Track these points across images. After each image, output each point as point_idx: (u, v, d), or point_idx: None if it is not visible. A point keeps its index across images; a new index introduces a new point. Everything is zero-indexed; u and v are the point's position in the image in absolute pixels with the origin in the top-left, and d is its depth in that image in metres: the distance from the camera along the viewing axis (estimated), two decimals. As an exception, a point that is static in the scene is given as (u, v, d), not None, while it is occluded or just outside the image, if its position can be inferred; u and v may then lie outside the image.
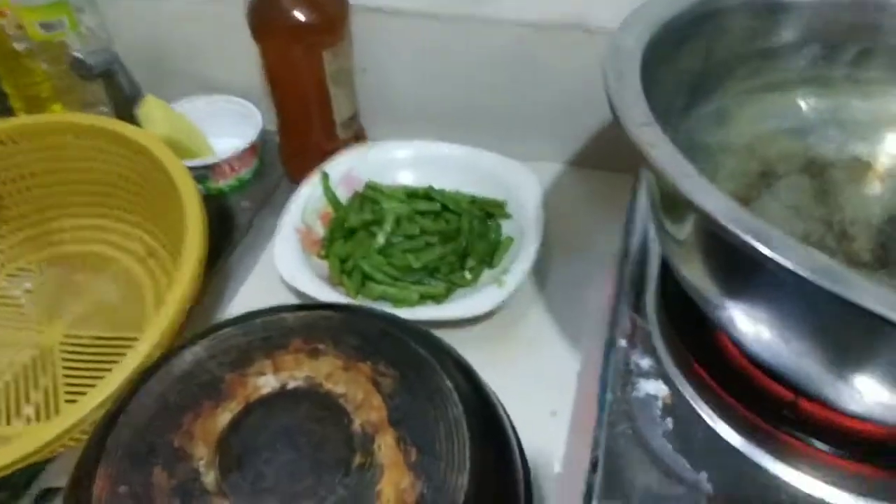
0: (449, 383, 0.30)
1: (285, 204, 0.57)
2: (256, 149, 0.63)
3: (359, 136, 0.64)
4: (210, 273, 0.53)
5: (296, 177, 0.61)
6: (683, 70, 0.37)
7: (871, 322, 0.21)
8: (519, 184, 0.58)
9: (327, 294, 0.50)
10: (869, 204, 0.38)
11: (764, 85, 0.40)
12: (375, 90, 0.65)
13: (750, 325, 0.30)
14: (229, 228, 0.59)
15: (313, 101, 0.58)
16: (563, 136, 0.64)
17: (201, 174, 0.60)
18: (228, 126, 0.64)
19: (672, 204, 0.32)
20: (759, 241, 0.23)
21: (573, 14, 0.56)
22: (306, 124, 0.60)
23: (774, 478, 0.33)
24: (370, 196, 0.59)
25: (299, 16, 0.54)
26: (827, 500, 0.32)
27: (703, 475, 0.33)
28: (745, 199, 0.38)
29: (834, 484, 0.32)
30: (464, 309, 0.48)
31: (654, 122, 0.27)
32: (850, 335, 0.26)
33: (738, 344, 0.34)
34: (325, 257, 0.55)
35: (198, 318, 0.48)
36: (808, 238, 0.37)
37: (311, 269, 0.52)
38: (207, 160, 0.59)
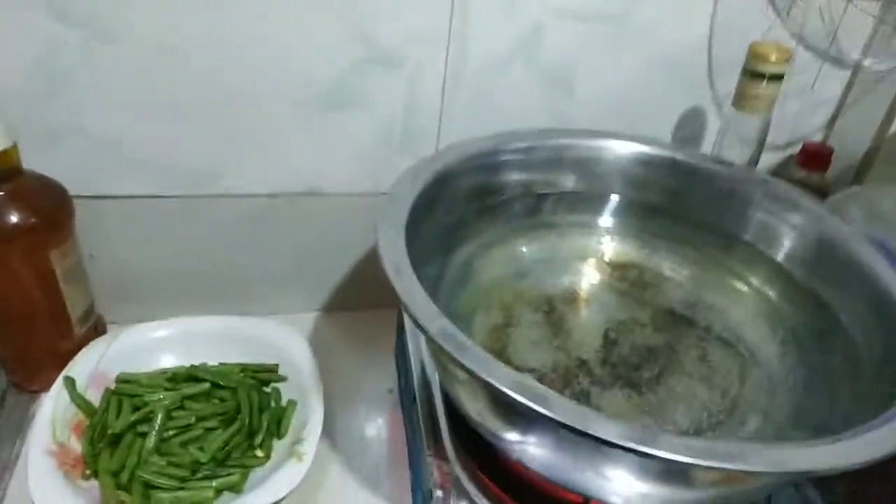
0: None
1: (20, 422, 0.50)
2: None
3: (98, 328, 0.60)
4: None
5: (26, 385, 0.54)
6: (438, 227, 0.44)
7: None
8: (285, 343, 0.59)
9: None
10: (587, 328, 0.49)
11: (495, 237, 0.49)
12: (109, 276, 0.61)
13: (531, 450, 0.36)
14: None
15: (41, 302, 0.53)
16: (316, 286, 0.67)
17: None
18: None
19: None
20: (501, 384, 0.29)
21: (305, 182, 0.60)
22: (33, 327, 0.54)
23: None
24: (127, 391, 0.55)
25: (13, 219, 0.49)
26: None
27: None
28: (501, 346, 0.46)
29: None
30: (269, 494, 0.47)
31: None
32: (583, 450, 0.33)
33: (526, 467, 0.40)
34: (93, 476, 0.49)
35: None
36: (557, 368, 0.46)
37: (80, 497, 0.46)
38: None
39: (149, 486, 0.49)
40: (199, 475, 0.50)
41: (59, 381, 0.53)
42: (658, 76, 0.62)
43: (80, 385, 0.54)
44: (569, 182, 0.53)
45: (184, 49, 0.52)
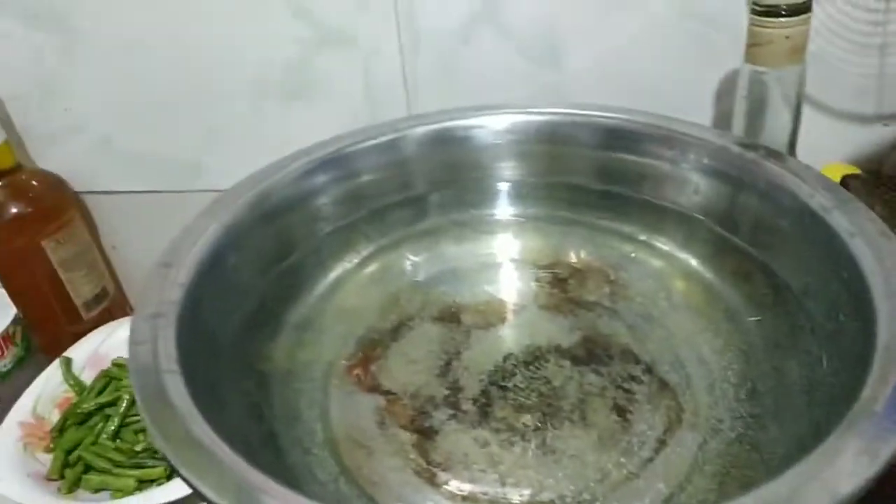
0: None
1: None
2: (11, 338, 0.62)
3: (114, 313, 0.64)
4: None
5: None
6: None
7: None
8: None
9: (33, 496, 0.47)
10: (487, 350, 0.39)
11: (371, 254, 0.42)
12: (132, 265, 0.65)
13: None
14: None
15: (46, 288, 0.58)
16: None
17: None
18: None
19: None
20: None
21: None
22: (46, 311, 0.60)
23: None
24: (115, 375, 0.58)
25: (12, 210, 0.55)
26: None
27: None
28: (364, 360, 0.39)
29: None
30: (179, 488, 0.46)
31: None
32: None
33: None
34: (53, 450, 0.53)
35: None
36: (417, 394, 0.37)
37: (26, 467, 0.50)
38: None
39: (89, 468, 0.51)
40: (130, 463, 0.51)
41: (57, 360, 0.58)
42: (672, 33, 0.48)
43: (77, 366, 0.58)
44: (442, 176, 0.43)
45: (147, 44, 0.53)
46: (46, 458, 0.53)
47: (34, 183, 0.57)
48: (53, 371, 0.58)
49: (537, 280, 0.43)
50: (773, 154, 0.40)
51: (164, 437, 0.25)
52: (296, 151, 0.41)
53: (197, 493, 0.24)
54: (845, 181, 0.47)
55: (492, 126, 0.42)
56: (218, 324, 0.34)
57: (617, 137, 0.41)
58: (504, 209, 0.45)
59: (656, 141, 0.40)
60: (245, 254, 0.36)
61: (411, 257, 0.43)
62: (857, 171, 0.51)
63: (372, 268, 0.43)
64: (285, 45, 0.52)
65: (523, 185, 0.44)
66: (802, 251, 0.35)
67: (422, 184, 0.43)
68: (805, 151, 0.47)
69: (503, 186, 0.44)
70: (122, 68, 0.55)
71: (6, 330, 0.61)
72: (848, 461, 0.21)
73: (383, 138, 0.42)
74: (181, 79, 0.54)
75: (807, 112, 0.50)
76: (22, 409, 0.55)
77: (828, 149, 0.52)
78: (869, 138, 0.53)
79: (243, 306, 0.36)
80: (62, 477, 0.51)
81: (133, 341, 0.29)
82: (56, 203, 0.58)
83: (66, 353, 0.59)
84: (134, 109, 0.57)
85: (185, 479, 0.24)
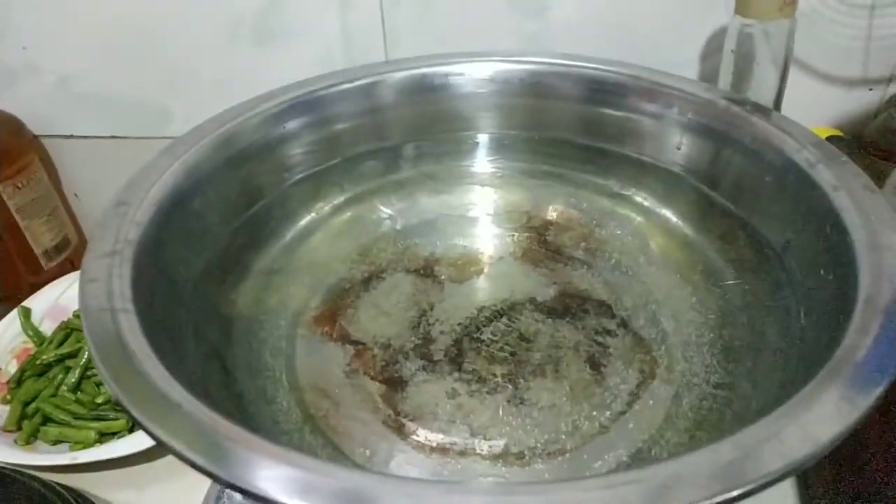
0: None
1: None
2: (-34, 288, 0.60)
3: (76, 264, 0.62)
4: None
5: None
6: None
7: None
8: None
9: (-12, 447, 0.46)
10: (460, 303, 0.38)
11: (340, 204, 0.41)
12: (91, 214, 0.63)
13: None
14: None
15: (4, 235, 0.56)
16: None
17: None
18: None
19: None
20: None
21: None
22: (4, 259, 0.57)
23: None
24: (76, 326, 0.56)
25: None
26: None
27: None
28: (333, 310, 0.38)
29: None
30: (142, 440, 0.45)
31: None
32: None
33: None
34: (9, 402, 0.51)
35: None
36: (388, 344, 0.36)
37: (-18, 419, 0.48)
38: None
39: (47, 419, 0.49)
40: (91, 416, 0.49)
41: (16, 310, 0.56)
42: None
43: (37, 316, 0.56)
44: (419, 125, 0.41)
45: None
46: (3, 410, 0.51)
47: (-15, 124, 0.54)
48: (11, 321, 0.56)
49: (514, 233, 0.42)
50: (760, 109, 0.39)
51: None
52: (265, 93, 0.39)
53: (151, 436, 0.22)
54: (830, 142, 0.46)
55: (473, 74, 0.41)
56: (178, 267, 0.32)
57: (601, 90, 0.40)
58: (482, 162, 0.43)
59: (641, 94, 0.39)
60: (208, 197, 0.35)
61: (385, 209, 0.42)
62: (841, 134, 0.50)
63: (343, 217, 0.41)
64: (256, -17, 0.50)
65: (503, 138, 0.42)
66: (785, 207, 0.34)
67: (397, 133, 0.42)
68: (789, 113, 0.46)
69: (482, 138, 0.43)
70: (82, 4, 0.52)
71: (-40, 279, 0.59)
72: (828, 407, 0.21)
73: (358, 83, 0.40)
74: (146, 18, 0.52)
75: (793, 73, 0.49)
76: (-23, 358, 0.53)
77: (812, 111, 0.51)
78: (854, 102, 0.52)
79: (206, 251, 0.34)
80: (19, 429, 0.49)
81: (84, 279, 0.27)
82: (13, 145, 0.55)
83: (25, 303, 0.57)
84: (95, 49, 0.54)
85: (135, 420, 0.22)
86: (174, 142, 0.35)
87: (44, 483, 0.42)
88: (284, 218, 0.39)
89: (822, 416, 0.20)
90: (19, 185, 0.55)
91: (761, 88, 0.43)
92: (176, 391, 0.23)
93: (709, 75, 0.50)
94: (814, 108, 0.51)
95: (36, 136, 0.58)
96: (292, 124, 0.38)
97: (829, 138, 0.46)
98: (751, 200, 0.36)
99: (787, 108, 0.46)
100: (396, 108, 0.41)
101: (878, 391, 0.21)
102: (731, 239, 0.37)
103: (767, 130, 0.35)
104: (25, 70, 0.55)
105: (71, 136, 0.59)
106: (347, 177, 0.41)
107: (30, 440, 0.48)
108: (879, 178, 0.41)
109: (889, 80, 0.51)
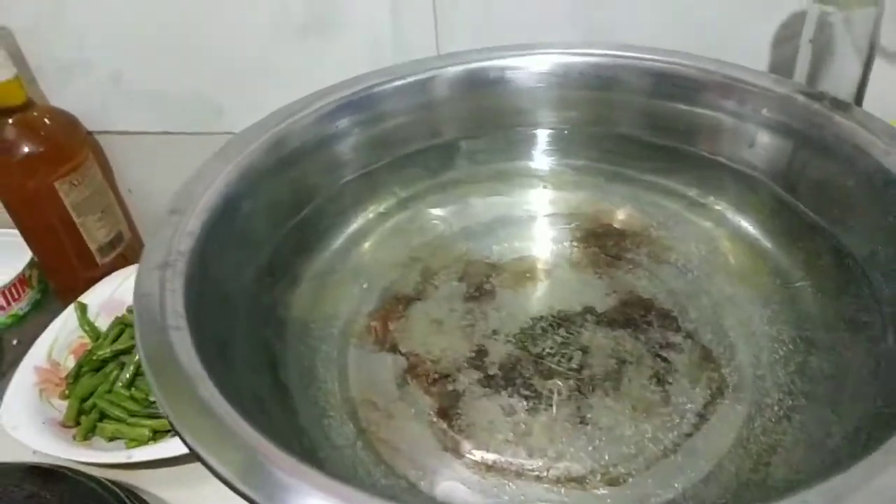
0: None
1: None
2: (28, 281, 0.61)
3: (130, 259, 0.63)
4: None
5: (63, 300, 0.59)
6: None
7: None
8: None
9: (48, 444, 0.47)
10: (516, 312, 0.37)
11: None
12: (148, 209, 0.63)
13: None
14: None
15: (60, 231, 0.57)
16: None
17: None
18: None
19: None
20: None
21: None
22: (60, 255, 0.58)
23: None
24: (129, 321, 0.56)
25: (24, 148, 0.52)
26: None
27: None
28: (388, 318, 0.36)
29: None
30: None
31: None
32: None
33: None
34: (68, 397, 0.52)
35: None
36: (441, 357, 0.35)
37: (42, 414, 0.49)
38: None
39: (104, 416, 0.50)
40: (145, 413, 0.50)
41: (72, 305, 0.57)
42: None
43: (92, 311, 0.57)
44: (474, 122, 0.40)
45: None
46: (62, 405, 0.52)
47: (46, 121, 0.55)
48: (68, 316, 0.57)
49: (573, 238, 0.40)
50: (840, 105, 0.36)
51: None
52: (315, 92, 0.38)
53: (200, 460, 0.22)
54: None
55: (530, 68, 0.39)
56: (230, 274, 0.31)
57: (668, 83, 0.37)
58: (540, 160, 0.41)
59: (711, 88, 0.37)
60: (260, 201, 0.34)
61: (438, 211, 0.40)
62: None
63: (395, 220, 0.40)
64: (306, -23, 0.48)
65: (563, 134, 0.40)
66: (870, 214, 0.32)
67: (452, 130, 0.40)
68: (872, 107, 0.43)
69: (540, 135, 0.41)
70: (134, 2, 0.51)
71: (22, 272, 0.60)
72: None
73: (410, 79, 0.38)
74: (195, 13, 0.51)
75: (878, 63, 0.46)
76: (37, 353, 0.54)
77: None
78: (940, 93, 0.48)
79: (258, 256, 0.34)
80: (77, 424, 0.50)
81: (139, 293, 0.27)
82: (69, 143, 0.55)
83: (81, 299, 0.58)
84: (147, 45, 0.54)
85: (188, 447, 0.22)
86: (226, 144, 0.35)
87: (97, 481, 0.42)
88: (336, 221, 0.38)
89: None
90: (75, 183, 0.56)
91: (841, 81, 0.40)
92: (229, 414, 0.23)
93: (781, 67, 0.47)
94: (896, 100, 0.47)
95: (90, 133, 0.59)
96: (344, 123, 0.37)
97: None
98: (831, 206, 0.34)
99: (870, 102, 0.43)
100: (451, 104, 0.39)
101: None
102: (809, 248, 0.35)
103: (851, 129, 0.33)
104: (79, 67, 0.55)
105: (124, 133, 0.59)
106: (400, 177, 0.40)
107: (87, 436, 0.49)
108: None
109: (984, 69, 0.47)
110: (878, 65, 0.46)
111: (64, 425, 0.50)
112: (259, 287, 0.33)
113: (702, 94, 0.37)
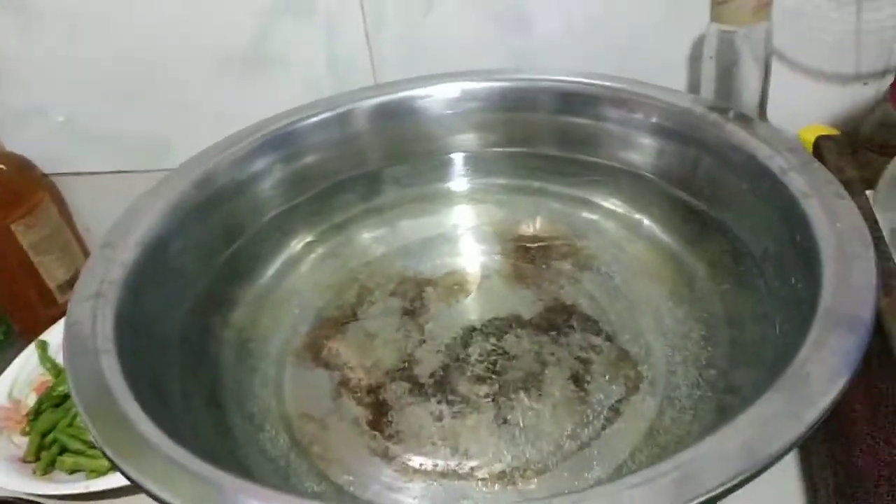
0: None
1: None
2: (-12, 321, 0.62)
3: (91, 294, 0.64)
4: None
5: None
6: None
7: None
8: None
9: (8, 479, 0.48)
10: (447, 323, 0.39)
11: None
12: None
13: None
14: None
15: (18, 272, 0.58)
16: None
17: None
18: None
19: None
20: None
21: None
22: (20, 295, 0.60)
23: None
24: (91, 356, 0.57)
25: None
26: None
27: None
28: (324, 336, 0.38)
29: None
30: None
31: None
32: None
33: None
34: (29, 433, 0.53)
35: None
36: (372, 370, 0.37)
37: (2, 451, 0.50)
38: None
39: (64, 449, 0.51)
40: (105, 444, 0.51)
41: (33, 343, 0.58)
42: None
43: (53, 348, 0.58)
44: (395, 150, 0.42)
45: (105, 21, 0.52)
46: (22, 441, 0.53)
47: (0, 166, 0.57)
48: (29, 354, 0.58)
49: (499, 251, 0.43)
50: (740, 117, 0.38)
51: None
52: (243, 129, 0.40)
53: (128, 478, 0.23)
54: (818, 143, 0.46)
55: (441, 95, 0.41)
56: (166, 302, 0.33)
57: (574, 102, 0.40)
58: (460, 181, 0.44)
59: (614, 103, 0.39)
60: (191, 236, 0.36)
61: (368, 234, 0.42)
62: (835, 133, 0.50)
63: (328, 245, 0.42)
64: (244, 17, 0.51)
65: (479, 156, 0.43)
66: (761, 215, 0.34)
67: (374, 159, 0.42)
68: (782, 114, 0.45)
69: (458, 157, 0.43)
70: (81, 47, 0.54)
71: (-21, 314, 0.61)
72: (771, 424, 0.21)
73: (329, 113, 0.41)
74: (142, 55, 0.53)
75: (784, 73, 0.49)
76: (-2, 392, 0.55)
77: (806, 111, 0.51)
78: (849, 99, 0.51)
79: (194, 285, 0.35)
80: (38, 459, 0.51)
81: (70, 322, 0.28)
82: (23, 186, 0.57)
83: (42, 337, 0.59)
84: (96, 88, 0.56)
85: (114, 465, 0.23)
86: (159, 182, 0.37)
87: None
88: (269, 251, 0.40)
89: (764, 434, 0.20)
90: (30, 224, 0.57)
91: (745, 93, 0.43)
92: (155, 435, 0.24)
93: (696, 84, 0.50)
94: (806, 108, 0.50)
95: (46, 175, 0.60)
96: (268, 158, 0.39)
97: (820, 137, 0.46)
98: (730, 208, 0.36)
99: (778, 109, 0.46)
100: (370, 134, 0.42)
101: (824, 405, 0.21)
102: (713, 248, 0.37)
103: (741, 137, 0.35)
104: (31, 112, 0.57)
105: (79, 174, 0.61)
106: (328, 205, 0.42)
107: (48, 470, 0.50)
108: (877, 174, 0.40)
109: (884, 74, 0.50)
110: (786, 75, 0.49)
111: (24, 461, 0.51)
112: (196, 313, 0.35)
113: (606, 109, 0.40)
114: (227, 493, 0.22)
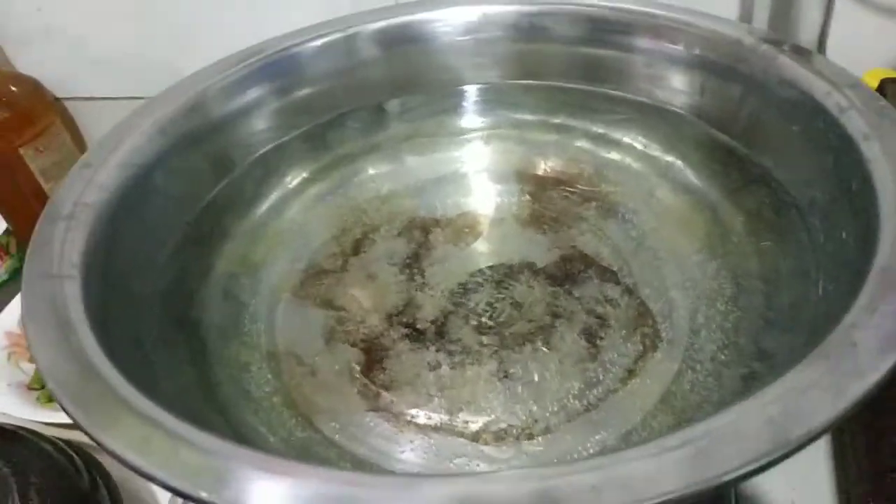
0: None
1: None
2: (5, 248, 0.62)
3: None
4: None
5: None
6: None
7: None
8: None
9: (11, 405, 0.47)
10: (452, 268, 0.36)
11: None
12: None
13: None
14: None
15: (29, 198, 0.57)
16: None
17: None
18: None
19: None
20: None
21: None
22: (31, 222, 0.58)
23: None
24: (101, 286, 0.57)
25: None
26: None
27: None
28: (321, 274, 0.36)
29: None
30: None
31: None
32: None
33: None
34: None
35: None
36: (367, 314, 0.34)
37: (9, 377, 0.50)
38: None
39: (68, 377, 0.50)
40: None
41: (44, 270, 0.57)
42: None
43: (64, 276, 0.57)
44: (402, 80, 0.38)
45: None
46: (30, 368, 0.53)
47: (11, 88, 0.55)
48: (40, 281, 0.57)
49: (513, 192, 0.39)
50: (795, 50, 0.34)
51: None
52: (236, 52, 0.37)
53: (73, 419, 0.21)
54: (883, 86, 0.40)
55: (456, 20, 0.37)
56: (142, 233, 0.31)
57: (601, 29, 0.35)
58: (474, 116, 0.40)
59: (651, 31, 0.35)
60: (178, 163, 0.33)
61: (373, 170, 0.39)
62: (901, 76, 0.44)
63: (330, 181, 0.39)
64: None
65: (495, 88, 0.39)
66: (812, 160, 0.30)
67: (380, 89, 0.39)
68: (841, 54, 0.40)
69: (471, 90, 0.39)
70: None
71: (-1, 240, 0.60)
72: (807, 397, 0.17)
73: (332, 37, 0.37)
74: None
75: (847, 8, 0.44)
76: (8, 319, 0.54)
77: (871, 51, 0.45)
78: (920, 40, 0.46)
79: (177, 217, 0.33)
80: (43, 387, 0.51)
81: (34, 243, 0.26)
82: (33, 108, 0.56)
83: (54, 264, 0.58)
84: (108, 9, 0.53)
85: (62, 406, 0.21)
86: (145, 104, 0.34)
87: (53, 444, 0.42)
88: (265, 183, 0.37)
89: (802, 409, 0.17)
90: (40, 149, 0.56)
91: (803, 26, 0.38)
92: (113, 375, 0.22)
93: (749, 14, 0.45)
94: (872, 48, 0.45)
95: (57, 99, 0.59)
96: (264, 86, 0.36)
97: (886, 79, 0.41)
98: (776, 154, 0.32)
99: (840, 48, 0.41)
100: (376, 62, 0.38)
101: (874, 378, 0.17)
102: (754, 199, 0.33)
103: (795, 71, 0.31)
104: (41, 32, 0.55)
105: (91, 98, 0.59)
106: (329, 139, 0.38)
107: (51, 399, 0.50)
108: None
109: (965, 12, 0.44)
110: (849, 11, 0.44)
111: (30, 388, 0.51)
112: (181, 244, 0.33)
113: (637, 38, 0.35)
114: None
